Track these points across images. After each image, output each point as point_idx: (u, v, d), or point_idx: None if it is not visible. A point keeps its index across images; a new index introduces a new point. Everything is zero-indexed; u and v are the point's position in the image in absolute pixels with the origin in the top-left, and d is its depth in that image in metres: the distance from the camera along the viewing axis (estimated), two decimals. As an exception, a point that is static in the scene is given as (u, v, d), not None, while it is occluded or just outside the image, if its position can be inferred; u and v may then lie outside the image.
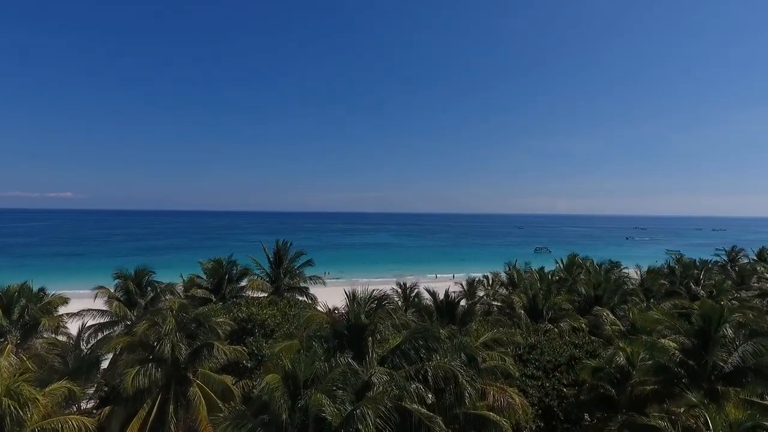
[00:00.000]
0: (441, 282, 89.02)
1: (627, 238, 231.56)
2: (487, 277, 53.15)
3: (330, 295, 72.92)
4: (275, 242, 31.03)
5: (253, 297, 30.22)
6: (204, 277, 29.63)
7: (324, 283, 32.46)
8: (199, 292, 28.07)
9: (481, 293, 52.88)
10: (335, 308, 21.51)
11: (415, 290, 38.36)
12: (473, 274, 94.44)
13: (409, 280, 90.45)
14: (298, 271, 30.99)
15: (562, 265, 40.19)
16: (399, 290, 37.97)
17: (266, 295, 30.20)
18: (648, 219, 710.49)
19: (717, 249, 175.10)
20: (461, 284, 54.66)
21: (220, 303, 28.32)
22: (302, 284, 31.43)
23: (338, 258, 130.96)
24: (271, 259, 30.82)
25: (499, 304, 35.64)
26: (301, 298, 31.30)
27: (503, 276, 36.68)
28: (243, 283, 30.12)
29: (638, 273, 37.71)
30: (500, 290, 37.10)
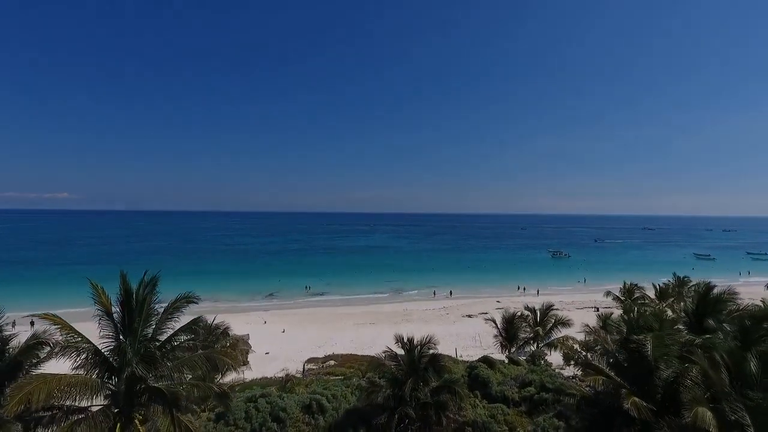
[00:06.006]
0: (441, 300, 70.26)
1: (596, 241, 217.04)
2: (533, 311, 35.12)
3: (295, 329, 53.37)
4: (120, 278, 13.36)
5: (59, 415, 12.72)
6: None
7: (246, 363, 14.78)
8: None
9: (524, 333, 35.19)
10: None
11: (430, 351, 21.90)
12: (482, 289, 77.21)
13: (407, 296, 72.41)
14: (168, 347, 13.21)
15: (689, 304, 21.79)
16: (402, 348, 21.71)
17: (86, 406, 12.60)
18: (648, 219, 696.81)
19: (749, 252, 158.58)
20: (493, 322, 36.82)
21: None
22: (181, 375, 13.65)
23: (328, 265, 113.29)
24: (116, 315, 13.25)
25: (588, 389, 17.91)
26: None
27: (596, 323, 18.97)
28: (36, 371, 12.45)
29: None
30: (588, 348, 19.54)
